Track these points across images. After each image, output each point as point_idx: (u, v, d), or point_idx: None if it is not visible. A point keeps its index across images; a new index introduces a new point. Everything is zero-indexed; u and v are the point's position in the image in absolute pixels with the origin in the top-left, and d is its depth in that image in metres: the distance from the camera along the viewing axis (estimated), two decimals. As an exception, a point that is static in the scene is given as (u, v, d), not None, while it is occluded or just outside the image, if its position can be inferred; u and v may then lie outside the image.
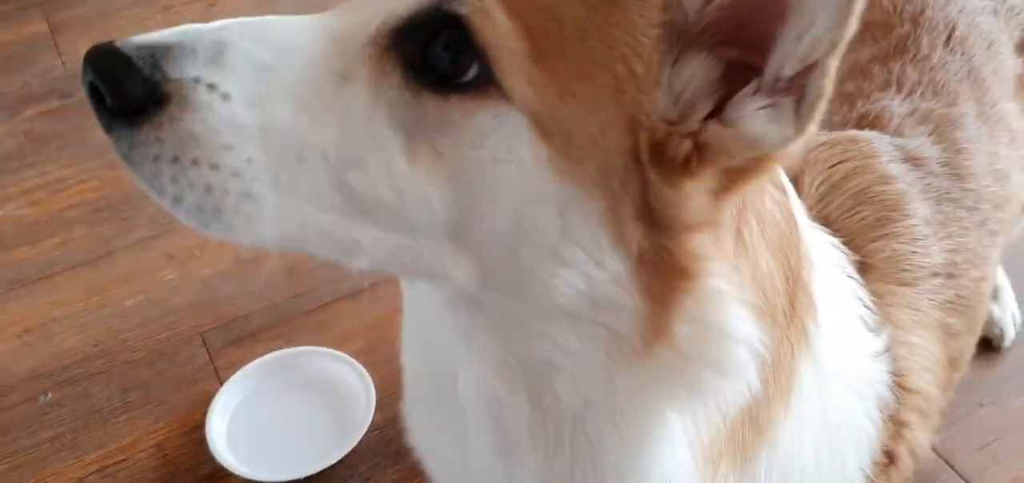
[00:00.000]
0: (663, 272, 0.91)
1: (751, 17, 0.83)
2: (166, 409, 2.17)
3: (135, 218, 2.71)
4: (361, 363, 2.18)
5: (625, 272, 0.90)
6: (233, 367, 2.21)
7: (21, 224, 2.71)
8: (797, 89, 0.82)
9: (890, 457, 1.26)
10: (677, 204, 0.88)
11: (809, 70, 0.80)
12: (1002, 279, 2.32)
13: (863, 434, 1.21)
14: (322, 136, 0.85)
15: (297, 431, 2.09)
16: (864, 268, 1.29)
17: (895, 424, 1.25)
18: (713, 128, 0.86)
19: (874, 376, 1.22)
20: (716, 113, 0.87)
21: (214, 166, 0.83)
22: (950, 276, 1.39)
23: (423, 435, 1.32)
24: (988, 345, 2.26)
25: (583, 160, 0.86)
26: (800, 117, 0.83)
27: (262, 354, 2.22)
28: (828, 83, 0.81)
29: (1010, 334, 2.27)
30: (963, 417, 2.11)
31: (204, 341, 2.33)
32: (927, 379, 1.31)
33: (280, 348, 2.25)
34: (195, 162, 0.83)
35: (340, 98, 0.85)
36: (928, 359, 1.32)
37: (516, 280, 0.92)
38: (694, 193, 0.88)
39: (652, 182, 0.87)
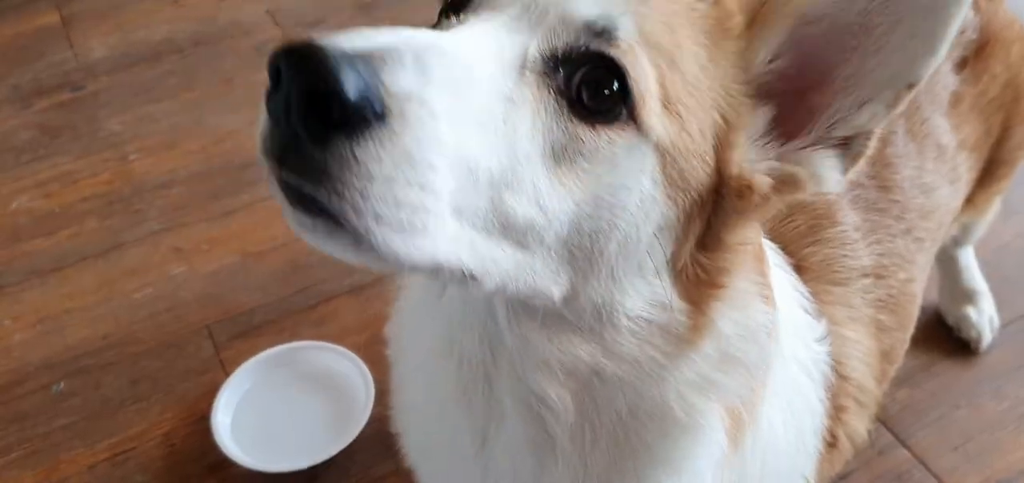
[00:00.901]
0: (699, 284, 1.05)
1: (803, 79, 1.01)
2: (174, 400, 2.26)
3: (145, 211, 2.80)
4: (361, 357, 2.25)
5: (672, 280, 1.04)
6: (238, 359, 2.28)
7: (35, 216, 2.79)
8: (841, 145, 1.01)
9: (833, 438, 1.37)
10: (735, 230, 1.04)
11: (857, 135, 1.00)
12: (980, 284, 2.39)
13: (816, 413, 1.34)
14: (494, 155, 0.87)
15: (299, 423, 2.17)
16: (799, 269, 1.42)
17: (835, 408, 1.37)
18: (790, 167, 1.03)
19: (819, 358, 1.34)
20: (780, 153, 1.04)
21: (423, 186, 0.81)
22: (879, 277, 1.52)
23: (427, 446, 1.37)
24: (965, 348, 2.34)
25: (685, 190, 0.99)
26: (845, 168, 1.03)
27: (266, 347, 2.30)
28: (872, 145, 1.01)
29: (987, 338, 2.34)
30: (939, 418, 2.19)
31: (210, 334, 2.41)
32: (862, 370, 1.44)
33: (283, 342, 2.32)
34: (408, 182, 0.80)
35: (509, 122, 0.89)
36: (862, 351, 1.45)
37: (601, 292, 1.01)
38: (752, 221, 1.07)
39: (725, 211, 1.02)
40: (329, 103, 0.75)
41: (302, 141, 0.77)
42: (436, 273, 0.88)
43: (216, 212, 2.80)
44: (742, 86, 1.01)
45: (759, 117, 1.02)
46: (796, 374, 1.31)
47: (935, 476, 2.07)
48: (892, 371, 1.59)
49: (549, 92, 0.92)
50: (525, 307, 1.04)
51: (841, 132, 0.99)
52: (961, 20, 0.89)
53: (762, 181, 1.01)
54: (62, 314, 2.48)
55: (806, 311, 1.36)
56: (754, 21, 1.00)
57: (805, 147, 1.02)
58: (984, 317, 2.35)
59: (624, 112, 0.92)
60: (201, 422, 2.18)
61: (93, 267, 2.62)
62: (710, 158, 0.99)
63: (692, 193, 0.99)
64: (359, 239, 0.80)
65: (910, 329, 1.65)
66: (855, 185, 1.53)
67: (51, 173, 2.96)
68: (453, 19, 0.98)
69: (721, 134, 0.99)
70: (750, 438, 1.21)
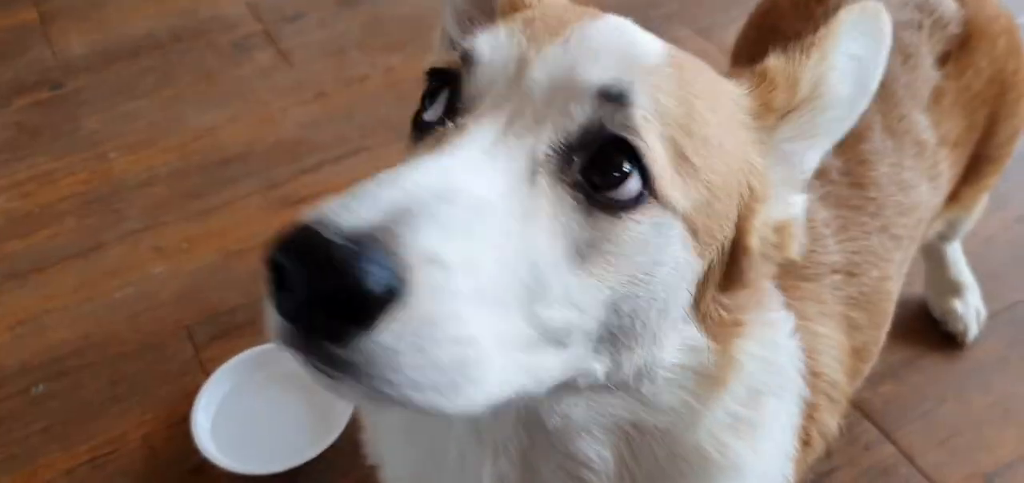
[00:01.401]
0: (721, 325, 1.05)
1: None
2: (154, 402, 2.23)
3: (125, 210, 2.77)
4: (343, 357, 2.22)
5: (698, 324, 1.03)
6: (218, 360, 2.25)
7: (12, 217, 2.76)
8: None
9: (807, 436, 1.36)
10: (756, 271, 1.07)
11: None
12: (967, 276, 2.38)
13: (794, 408, 1.32)
14: (516, 278, 0.83)
15: (280, 425, 2.15)
16: None
17: (807, 405, 1.35)
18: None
19: (792, 352, 1.32)
20: None
21: (455, 339, 0.76)
22: (851, 274, 1.51)
23: None
24: (952, 341, 2.33)
25: (711, 245, 0.99)
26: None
27: (246, 348, 2.27)
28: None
29: (973, 331, 2.33)
30: (925, 412, 2.18)
31: (190, 334, 2.39)
32: (833, 366, 1.42)
33: (264, 342, 2.28)
34: (436, 342, 0.75)
35: (526, 238, 0.84)
36: (833, 346, 1.43)
37: (646, 357, 0.99)
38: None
39: (751, 259, 1.04)
40: (348, 304, 0.71)
41: (320, 339, 0.73)
42: (494, 406, 0.84)
43: (196, 210, 2.77)
44: (763, 159, 1.05)
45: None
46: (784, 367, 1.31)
47: (921, 471, 2.06)
48: (866, 369, 1.58)
49: (564, 188, 0.89)
50: (566, 387, 0.99)
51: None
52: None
53: (789, 228, 1.10)
54: (41, 315, 2.45)
55: (780, 304, 1.34)
56: (791, 105, 1.07)
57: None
58: (971, 310, 2.33)
59: (645, 193, 0.90)
60: (181, 424, 2.15)
61: (72, 267, 2.59)
62: (733, 214, 1.01)
63: (716, 247, 1.00)
64: (404, 405, 0.77)
65: (885, 327, 1.63)
66: (826, 182, 1.53)
67: (29, 173, 2.92)
68: (448, 124, 0.94)
69: (744, 196, 1.03)
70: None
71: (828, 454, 1.51)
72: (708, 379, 1.05)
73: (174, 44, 3.53)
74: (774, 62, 1.06)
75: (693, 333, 1.02)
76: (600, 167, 0.89)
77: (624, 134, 0.89)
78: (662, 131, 0.91)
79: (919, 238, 1.73)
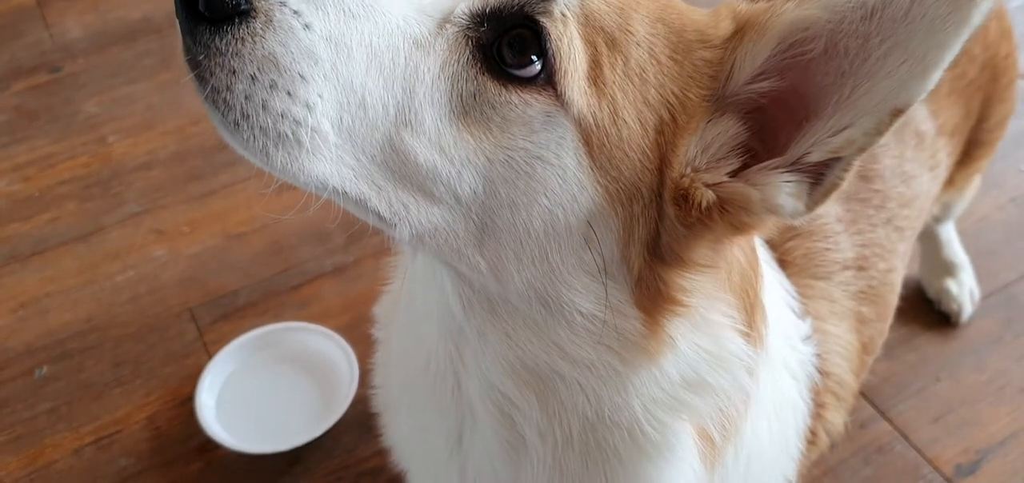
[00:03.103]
0: (656, 297, 1.02)
1: (791, 101, 0.95)
2: (157, 382, 2.25)
3: (124, 194, 2.78)
4: (344, 338, 2.25)
5: (628, 286, 1.01)
6: (221, 342, 2.28)
7: (13, 200, 2.77)
8: (815, 173, 0.94)
9: (812, 436, 1.38)
10: (685, 245, 0.99)
11: (833, 162, 0.93)
12: (961, 257, 2.41)
13: (799, 413, 1.33)
14: (387, 90, 0.91)
15: (284, 404, 2.17)
16: (783, 264, 1.41)
17: (816, 405, 1.37)
18: (739, 186, 0.97)
19: (804, 358, 1.34)
20: (739, 172, 0.98)
21: (290, 93, 0.87)
22: (861, 269, 1.52)
23: (405, 438, 1.39)
24: (946, 321, 2.37)
25: (617, 180, 0.96)
26: (813, 198, 0.96)
27: (249, 329, 2.29)
28: (847, 178, 0.94)
29: (967, 310, 2.36)
30: (920, 390, 2.21)
31: (193, 316, 2.41)
32: (842, 365, 1.44)
33: (266, 324, 2.32)
34: (273, 85, 0.86)
35: (411, 62, 0.92)
36: (843, 346, 1.45)
37: (540, 279, 1.00)
38: (703, 239, 0.99)
39: (668, 219, 0.98)
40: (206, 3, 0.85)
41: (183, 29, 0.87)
42: (335, 198, 0.92)
43: (195, 193, 2.78)
44: (706, 92, 0.97)
45: (723, 129, 0.98)
46: (782, 379, 1.30)
47: (915, 448, 2.09)
48: (870, 361, 1.60)
49: (467, 44, 0.94)
50: (476, 294, 1.05)
51: (815, 157, 0.94)
52: (960, 47, 0.84)
53: (702, 194, 0.97)
54: (43, 298, 2.47)
55: (792, 310, 1.35)
56: (741, 34, 0.96)
57: (771, 169, 0.96)
58: (965, 290, 2.37)
59: (542, 77, 0.92)
60: (185, 404, 2.18)
61: (73, 251, 2.61)
62: (651, 154, 0.96)
63: (626, 185, 0.97)
64: (237, 135, 0.88)
65: (889, 318, 1.65)
66: None
67: (29, 156, 2.93)
68: None
69: (667, 133, 0.96)
70: (731, 452, 1.21)
71: (832, 447, 1.53)
72: (632, 345, 1.04)
73: (171, 28, 3.48)
74: (733, 1, 1.02)
75: (619, 291, 1.01)
76: (511, 44, 0.93)
77: (537, 17, 0.92)
78: (584, 33, 0.93)
79: (920, 227, 1.75)
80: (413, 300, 1.23)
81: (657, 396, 1.07)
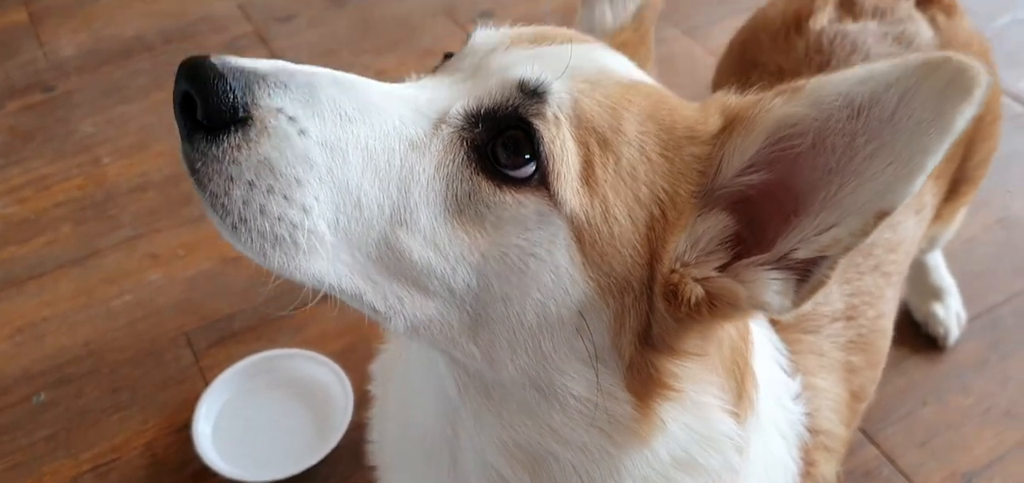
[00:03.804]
0: (647, 382, 1.04)
1: (778, 194, 0.98)
2: (155, 409, 2.27)
3: (119, 217, 2.80)
4: (339, 364, 2.28)
5: (619, 372, 1.04)
6: (217, 367, 2.30)
7: (9, 223, 2.79)
8: (801, 270, 0.97)
9: None
10: (676, 335, 1.02)
11: (820, 260, 0.96)
12: (947, 281, 2.45)
13: (789, 473, 1.35)
14: (383, 191, 0.93)
15: (280, 432, 2.19)
16: (772, 321, 1.41)
17: (806, 463, 1.38)
18: (727, 282, 0.99)
19: (794, 418, 1.36)
20: (727, 266, 1.01)
21: (287, 197, 0.89)
22: (850, 319, 1.54)
23: None
24: (933, 344, 2.40)
25: (609, 274, 0.99)
26: (799, 295, 0.98)
27: (244, 355, 2.32)
28: (833, 276, 0.96)
29: (954, 334, 2.39)
30: (907, 414, 2.24)
31: (189, 341, 2.43)
32: (832, 419, 1.46)
33: (261, 349, 2.34)
34: (270, 190, 0.89)
35: (407, 163, 0.95)
36: (833, 399, 1.47)
37: (533, 366, 1.03)
38: (693, 330, 1.02)
39: (658, 312, 1.01)
40: (194, 105, 0.87)
41: (183, 135, 0.90)
42: (334, 293, 0.95)
43: (190, 216, 2.80)
44: (695, 187, 1.00)
45: (711, 224, 1.01)
46: (773, 440, 1.32)
47: (902, 473, 2.13)
48: (862, 408, 1.61)
49: (461, 145, 0.96)
50: (471, 378, 1.08)
51: (802, 255, 0.96)
52: (944, 152, 0.85)
53: (692, 289, 0.99)
54: (40, 322, 2.49)
55: (782, 369, 1.36)
56: (730, 129, 0.99)
57: (758, 265, 0.99)
58: (951, 314, 2.40)
59: (536, 178, 0.95)
60: (182, 431, 2.20)
61: (70, 274, 2.63)
62: (642, 250, 0.99)
63: (618, 280, 0.99)
64: (235, 236, 0.90)
65: (882, 363, 1.67)
66: None
67: (24, 178, 2.95)
68: (414, 75, 1.05)
69: (658, 229, 0.99)
70: None
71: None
72: (624, 429, 1.06)
73: (164, 46, 3.55)
74: (721, 95, 1.05)
75: (611, 377, 1.03)
76: (506, 145, 0.96)
77: (530, 119, 0.95)
78: (577, 134, 0.96)
79: (905, 271, 1.77)
80: (410, 377, 1.25)
81: (648, 476, 1.09)
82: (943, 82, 0.84)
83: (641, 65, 1.15)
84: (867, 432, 2.19)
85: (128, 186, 2.91)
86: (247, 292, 2.55)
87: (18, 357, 2.40)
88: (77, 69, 3.42)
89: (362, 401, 2.17)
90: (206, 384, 2.26)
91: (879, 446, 2.17)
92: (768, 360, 1.34)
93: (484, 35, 1.09)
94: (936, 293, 2.41)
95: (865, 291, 1.57)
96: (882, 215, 0.89)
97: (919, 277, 2.43)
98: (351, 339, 2.38)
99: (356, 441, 2.13)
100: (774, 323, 1.41)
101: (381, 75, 3.22)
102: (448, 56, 1.12)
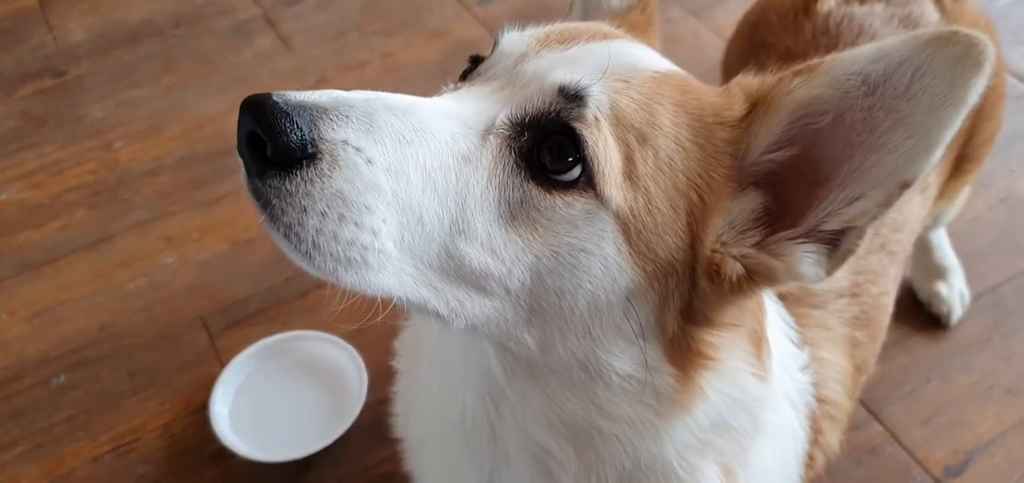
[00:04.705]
0: (687, 354, 1.11)
1: (802, 166, 1.04)
2: (172, 391, 2.31)
3: (132, 200, 2.84)
4: (353, 344, 2.32)
5: (662, 347, 1.10)
6: (233, 349, 2.34)
7: (24, 208, 2.82)
8: (832, 240, 1.04)
9: (810, 460, 1.45)
10: (716, 309, 1.09)
11: (848, 230, 1.02)
12: (952, 260, 2.48)
13: (799, 440, 1.41)
14: (442, 205, 0.98)
15: (295, 412, 2.23)
16: (780, 295, 1.48)
17: (814, 431, 1.45)
18: (764, 258, 1.06)
19: (802, 388, 1.42)
20: (762, 242, 1.07)
21: (357, 224, 0.93)
22: (854, 295, 1.60)
23: (436, 476, 1.45)
24: (937, 323, 2.44)
25: (654, 261, 1.05)
26: (831, 263, 1.05)
27: (259, 336, 2.36)
28: (862, 244, 1.03)
29: (957, 313, 2.43)
30: (911, 392, 2.28)
31: (205, 324, 2.47)
32: (838, 390, 1.52)
33: (276, 331, 2.38)
34: (342, 218, 0.92)
35: (461, 177, 0.99)
36: (838, 371, 1.53)
37: (582, 348, 1.09)
38: (732, 303, 1.09)
39: (701, 290, 1.07)
40: (263, 144, 0.90)
41: (251, 173, 0.93)
42: (399, 303, 1.00)
43: (203, 199, 2.83)
44: (728, 171, 1.06)
45: (745, 204, 1.07)
46: (783, 408, 1.38)
47: (906, 449, 2.17)
48: (864, 380, 1.67)
49: (510, 153, 1.01)
50: (518, 360, 1.13)
51: (831, 226, 1.02)
52: (960, 124, 0.90)
53: (732, 267, 1.06)
54: (57, 306, 2.53)
55: (791, 340, 1.42)
56: (754, 111, 1.04)
57: (790, 239, 1.05)
58: (955, 292, 2.43)
59: (582, 180, 1.00)
60: (199, 412, 2.24)
61: (85, 258, 2.66)
62: (684, 234, 1.05)
63: (662, 264, 1.05)
64: (309, 262, 0.95)
65: (882, 337, 1.72)
66: None
67: (37, 163, 2.98)
68: (451, 85, 1.09)
69: (697, 214, 1.05)
70: (742, 478, 1.28)
71: (829, 470, 1.60)
72: (667, 399, 1.13)
73: (173, 29, 3.57)
74: (742, 78, 1.10)
75: (654, 352, 1.10)
76: (551, 150, 1.01)
77: (573, 124, 1.00)
78: (616, 133, 1.01)
79: (909, 249, 1.81)
80: (446, 357, 1.29)
81: (688, 441, 1.16)
82: (954, 56, 0.89)
83: (648, 46, 1.19)
84: (871, 409, 2.23)
85: (140, 170, 2.94)
86: (260, 274, 2.58)
87: (36, 341, 2.44)
88: (87, 54, 3.45)
89: (376, 381, 2.22)
90: (222, 366, 2.30)
91: (883, 423, 2.21)
92: (778, 332, 1.39)
93: (511, 39, 1.13)
94: (940, 272, 2.44)
95: (870, 269, 1.62)
96: (905, 185, 0.95)
97: (923, 256, 2.46)
98: (364, 319, 2.40)
99: (370, 421, 2.19)
100: (782, 297, 1.46)
101: (389, 58, 3.24)
102: (474, 59, 1.17)
